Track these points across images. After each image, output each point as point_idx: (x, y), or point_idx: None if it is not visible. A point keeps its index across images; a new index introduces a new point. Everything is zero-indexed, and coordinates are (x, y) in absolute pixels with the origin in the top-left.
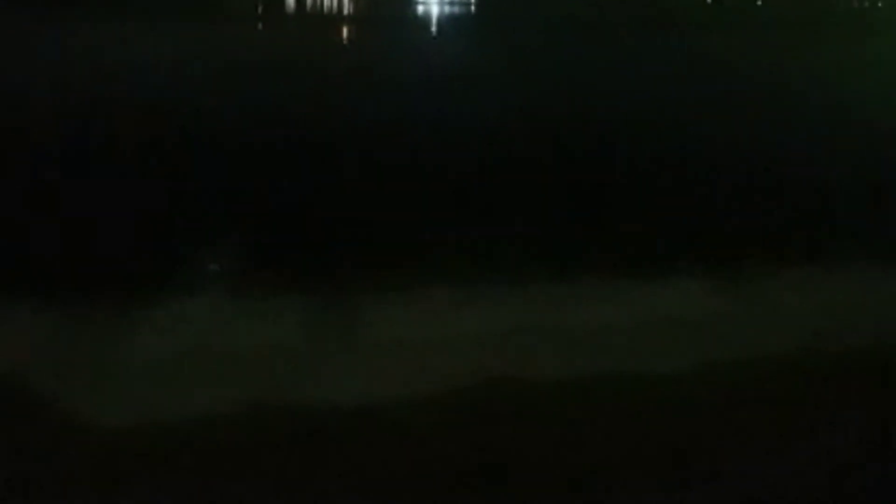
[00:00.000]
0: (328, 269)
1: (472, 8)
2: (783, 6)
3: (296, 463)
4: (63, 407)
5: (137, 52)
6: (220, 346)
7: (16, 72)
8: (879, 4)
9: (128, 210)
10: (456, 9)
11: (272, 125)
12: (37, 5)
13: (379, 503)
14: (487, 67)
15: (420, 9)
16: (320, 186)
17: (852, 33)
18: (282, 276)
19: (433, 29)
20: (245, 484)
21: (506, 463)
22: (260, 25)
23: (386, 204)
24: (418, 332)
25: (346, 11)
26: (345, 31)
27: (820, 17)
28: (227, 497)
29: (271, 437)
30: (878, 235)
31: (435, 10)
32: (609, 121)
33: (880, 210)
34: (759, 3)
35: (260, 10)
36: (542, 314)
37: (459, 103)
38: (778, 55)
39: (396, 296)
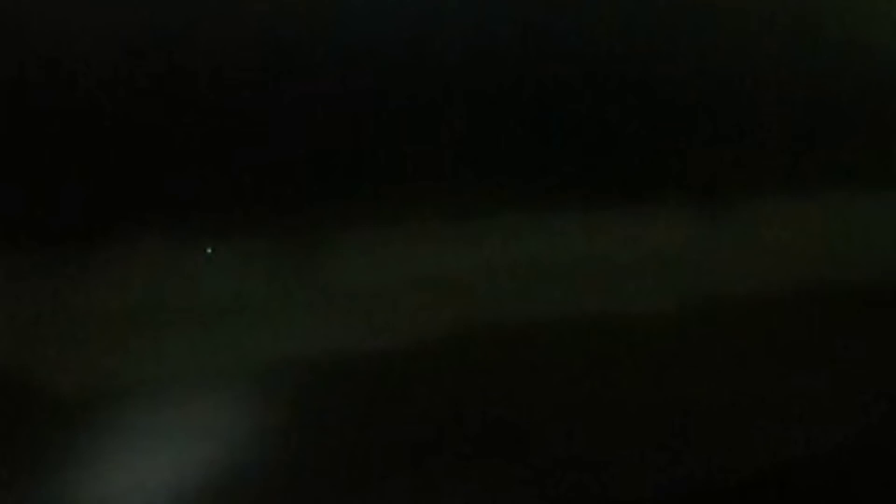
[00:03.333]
0: (293, 207)
1: None
2: None
3: (261, 419)
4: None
5: None
6: (179, 297)
7: None
8: None
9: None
10: None
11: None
12: None
13: (348, 459)
14: None
15: None
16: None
17: None
18: (242, 215)
19: None
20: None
21: (484, 414)
22: None
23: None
24: (388, 274)
25: None
26: None
27: None
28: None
29: (238, 389)
30: (865, 163)
31: None
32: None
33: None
34: None
35: None
36: (518, 251)
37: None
38: None
39: (366, 236)
